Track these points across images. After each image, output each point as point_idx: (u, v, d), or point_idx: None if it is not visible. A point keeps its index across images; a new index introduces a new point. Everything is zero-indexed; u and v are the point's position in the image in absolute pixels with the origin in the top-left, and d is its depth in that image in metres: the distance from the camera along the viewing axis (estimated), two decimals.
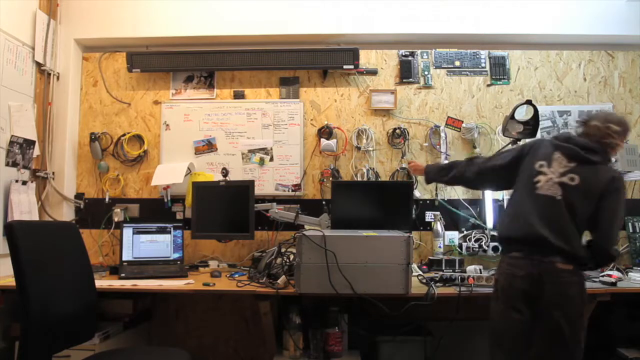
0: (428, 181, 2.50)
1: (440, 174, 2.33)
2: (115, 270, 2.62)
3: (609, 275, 2.23)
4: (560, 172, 1.86)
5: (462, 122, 2.98)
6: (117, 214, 2.95)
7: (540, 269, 1.80)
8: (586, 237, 1.94)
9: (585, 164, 1.86)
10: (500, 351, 1.88)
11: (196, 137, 3.01)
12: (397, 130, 2.97)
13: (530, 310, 1.83)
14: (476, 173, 2.15)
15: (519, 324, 1.84)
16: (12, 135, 2.61)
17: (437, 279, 2.24)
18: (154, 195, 3.02)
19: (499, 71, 3.03)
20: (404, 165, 2.96)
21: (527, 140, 2.13)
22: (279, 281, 2.18)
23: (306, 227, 2.60)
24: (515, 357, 1.85)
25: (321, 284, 2.01)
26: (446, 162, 2.56)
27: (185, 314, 2.97)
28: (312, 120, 3.03)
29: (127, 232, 2.76)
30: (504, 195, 2.86)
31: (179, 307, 2.97)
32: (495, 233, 2.81)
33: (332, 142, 2.95)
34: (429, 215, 2.92)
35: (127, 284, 2.32)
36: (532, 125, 2.43)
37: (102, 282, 2.31)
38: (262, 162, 2.98)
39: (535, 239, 1.82)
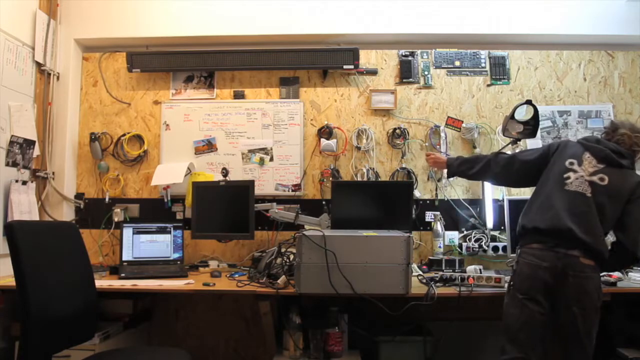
0: (450, 175, 2.47)
1: (463, 167, 2.31)
2: (115, 270, 2.62)
3: (609, 275, 2.22)
4: (591, 171, 1.90)
5: (462, 122, 2.98)
6: (117, 214, 2.95)
7: (564, 262, 1.81)
8: (611, 237, 1.97)
9: (615, 167, 1.91)
10: (513, 346, 1.86)
11: (196, 137, 3.01)
12: (397, 130, 2.97)
13: (549, 303, 1.84)
14: (503, 167, 2.15)
15: (538, 316, 1.83)
16: (12, 135, 2.61)
17: (437, 279, 2.24)
18: (154, 195, 3.02)
19: (499, 71, 3.03)
20: (404, 165, 2.96)
21: (553, 141, 2.16)
22: (279, 281, 2.18)
23: (306, 227, 2.60)
24: (529, 352, 1.84)
25: (321, 284, 2.00)
26: (468, 156, 2.50)
27: (185, 314, 2.97)
28: (312, 120, 3.03)
29: (127, 232, 2.76)
30: (504, 195, 2.87)
31: (179, 307, 2.97)
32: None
33: (332, 142, 2.95)
34: (429, 215, 2.92)
35: (127, 284, 2.32)
36: (532, 125, 2.42)
37: (102, 282, 2.31)
38: (262, 162, 2.98)
39: (563, 231, 1.83)
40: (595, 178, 1.89)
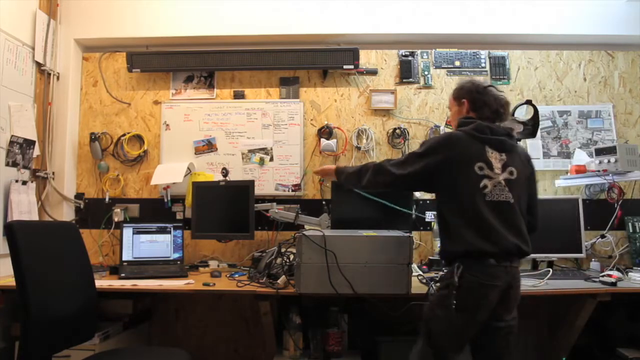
0: (343, 186, 2.23)
1: (352, 179, 2.06)
2: (115, 270, 2.63)
3: (609, 275, 2.23)
4: (500, 167, 1.78)
5: None
6: (117, 214, 2.95)
7: (511, 276, 1.74)
8: None
9: (512, 151, 1.83)
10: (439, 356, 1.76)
11: (196, 137, 3.01)
12: (397, 130, 2.97)
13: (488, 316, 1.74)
14: (395, 178, 1.88)
15: (474, 331, 1.74)
16: (12, 135, 2.61)
17: (437, 279, 2.23)
18: (154, 195, 3.02)
19: (499, 71, 3.03)
20: None
21: (434, 139, 1.88)
22: (279, 281, 2.18)
23: (306, 227, 2.60)
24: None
25: (321, 284, 2.00)
26: (355, 165, 2.27)
27: (185, 314, 2.97)
28: (312, 120, 3.03)
29: (127, 232, 2.76)
30: None
31: (179, 307, 2.97)
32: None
33: (332, 142, 2.95)
34: (429, 215, 2.92)
35: (127, 284, 2.32)
36: (532, 125, 2.42)
37: (102, 282, 2.31)
38: (262, 162, 2.98)
39: (511, 250, 1.72)
40: (506, 175, 1.78)
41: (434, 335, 1.74)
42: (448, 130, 2.97)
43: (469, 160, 1.77)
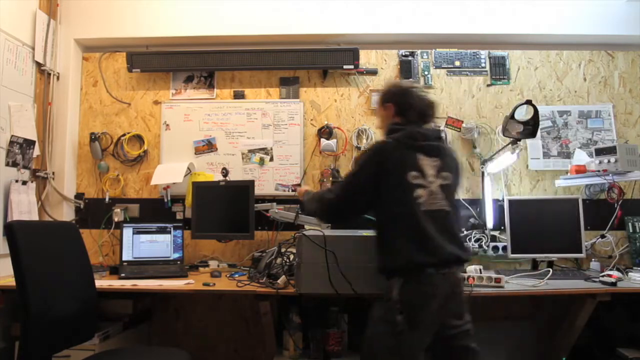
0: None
1: (307, 207, 2.05)
2: (115, 270, 2.63)
3: (609, 275, 2.23)
4: (433, 174, 1.74)
5: (462, 122, 2.97)
6: (117, 214, 2.95)
7: (452, 284, 1.72)
8: None
9: (443, 155, 1.80)
10: None
11: (196, 137, 3.01)
12: None
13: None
14: (333, 204, 1.85)
15: (423, 345, 1.69)
16: (12, 135, 2.61)
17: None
18: (154, 195, 3.02)
19: (499, 71, 3.03)
20: None
21: (365, 154, 1.85)
22: (279, 281, 2.18)
23: (306, 227, 2.60)
24: None
25: (321, 284, 2.00)
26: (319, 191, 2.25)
27: (185, 314, 2.97)
28: (312, 120, 3.03)
29: (127, 232, 2.76)
30: (504, 195, 2.87)
31: (179, 307, 2.97)
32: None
33: (332, 142, 2.94)
34: None
35: (127, 284, 2.32)
36: (532, 125, 2.42)
37: (102, 282, 2.31)
38: (262, 162, 2.98)
39: (449, 260, 1.69)
40: (441, 181, 1.75)
41: (379, 356, 1.68)
42: (448, 130, 2.98)
43: (402, 169, 1.72)
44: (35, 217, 2.72)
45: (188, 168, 2.93)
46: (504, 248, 2.73)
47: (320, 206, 1.92)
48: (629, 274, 2.37)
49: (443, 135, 1.86)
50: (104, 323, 2.42)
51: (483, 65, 3.04)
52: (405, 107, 1.85)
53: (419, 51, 3.05)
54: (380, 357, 1.68)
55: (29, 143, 2.73)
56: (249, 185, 2.65)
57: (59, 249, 1.92)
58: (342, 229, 2.39)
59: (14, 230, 1.70)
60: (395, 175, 1.72)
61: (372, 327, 1.73)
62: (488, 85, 3.02)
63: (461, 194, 2.93)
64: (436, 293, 1.66)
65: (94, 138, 3.00)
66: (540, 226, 2.66)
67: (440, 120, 2.99)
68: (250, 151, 3.00)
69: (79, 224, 2.91)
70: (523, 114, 2.49)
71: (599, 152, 2.56)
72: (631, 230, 2.80)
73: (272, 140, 3.00)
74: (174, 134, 3.02)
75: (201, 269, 2.79)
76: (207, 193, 2.77)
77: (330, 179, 2.91)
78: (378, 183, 1.73)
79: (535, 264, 2.68)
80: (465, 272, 1.79)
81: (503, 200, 2.81)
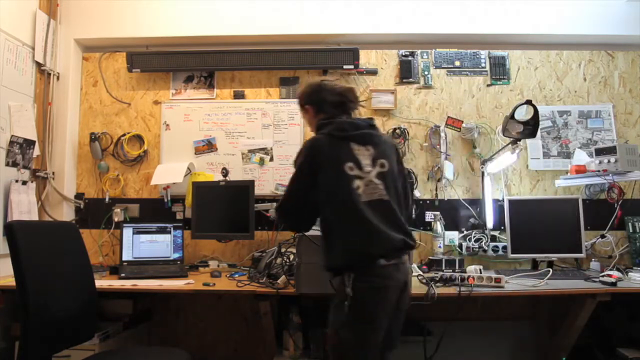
0: None
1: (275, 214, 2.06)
2: (115, 270, 2.63)
3: (609, 275, 2.23)
4: (369, 163, 1.73)
5: (462, 122, 2.97)
6: (117, 214, 2.95)
7: (403, 274, 1.70)
8: None
9: (376, 142, 1.78)
10: None
11: (196, 137, 3.01)
12: (397, 130, 2.97)
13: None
14: (285, 209, 1.85)
15: (380, 338, 1.67)
16: (12, 135, 2.61)
17: (437, 279, 2.24)
18: (154, 195, 3.02)
19: (499, 71, 3.03)
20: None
21: (300, 153, 1.81)
22: (279, 281, 2.18)
23: None
24: None
25: (321, 284, 1.99)
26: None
27: (185, 314, 2.97)
28: None
29: (127, 232, 2.77)
30: (504, 195, 2.87)
31: (179, 307, 2.97)
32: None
33: None
34: (429, 215, 2.92)
35: (127, 284, 2.32)
36: (532, 125, 2.42)
37: (102, 282, 2.31)
38: (262, 162, 2.98)
39: (397, 247, 1.68)
40: (378, 169, 1.73)
41: (344, 355, 1.66)
42: (448, 130, 2.98)
43: (337, 162, 1.71)
44: (35, 217, 2.72)
45: (188, 168, 2.93)
46: (504, 248, 2.73)
47: (276, 213, 1.94)
48: (629, 274, 2.37)
49: (375, 122, 1.85)
50: (104, 323, 2.42)
51: (483, 65, 3.04)
52: (321, 103, 1.85)
53: (419, 51, 3.05)
54: (342, 354, 1.67)
55: (29, 143, 2.73)
56: (249, 185, 2.66)
57: (59, 249, 1.92)
58: None
59: (14, 230, 1.70)
60: (332, 168, 1.71)
61: (330, 330, 1.70)
62: (488, 85, 3.02)
63: (461, 194, 2.93)
64: (390, 285, 1.65)
65: (94, 138, 3.00)
66: (540, 226, 2.66)
67: (440, 120, 2.99)
68: (250, 151, 3.00)
69: (79, 224, 2.91)
70: (523, 114, 2.50)
71: (599, 152, 2.56)
72: (631, 230, 2.80)
73: (272, 140, 3.00)
74: (174, 134, 3.02)
75: (201, 269, 2.79)
76: (207, 193, 2.77)
77: None
78: (316, 179, 1.72)
79: (535, 264, 2.68)
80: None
81: (503, 200, 2.81)
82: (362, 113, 2.99)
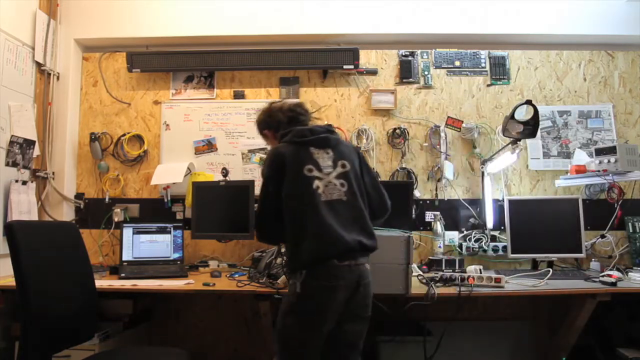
0: None
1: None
2: (115, 270, 2.63)
3: (609, 275, 2.23)
4: (330, 165, 1.79)
5: (462, 122, 2.98)
6: (117, 214, 2.95)
7: (357, 274, 1.71)
8: None
9: (335, 145, 1.85)
10: None
11: (196, 137, 3.01)
12: (397, 130, 2.97)
13: (337, 319, 1.72)
14: (259, 224, 1.91)
15: (324, 337, 1.71)
16: (12, 135, 2.61)
17: (437, 279, 2.24)
18: (154, 195, 3.02)
19: (499, 71, 3.03)
20: (404, 165, 2.96)
21: (264, 164, 1.90)
22: (279, 281, 2.18)
23: None
24: None
25: None
26: None
27: (185, 314, 2.97)
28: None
29: (127, 232, 2.76)
30: (504, 195, 2.87)
31: (179, 307, 2.97)
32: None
33: None
34: (429, 215, 2.92)
35: (127, 284, 2.32)
36: (532, 125, 2.42)
37: (102, 282, 2.31)
38: (262, 162, 2.98)
39: (352, 248, 1.70)
40: (339, 169, 1.79)
41: (287, 347, 1.73)
42: (448, 130, 2.98)
43: (298, 165, 1.77)
44: (35, 217, 2.72)
45: (188, 168, 2.93)
46: (504, 248, 2.73)
47: (255, 230, 1.99)
48: (629, 274, 2.37)
49: (333, 128, 1.92)
50: (104, 323, 2.42)
51: (483, 65, 3.04)
52: (276, 125, 1.94)
53: (419, 51, 3.05)
54: (287, 350, 1.73)
55: (29, 143, 2.73)
56: (249, 185, 2.65)
57: (59, 249, 1.92)
58: None
59: (14, 230, 1.70)
60: (293, 171, 1.77)
61: (279, 320, 1.76)
62: (488, 85, 3.02)
63: (461, 194, 2.93)
64: (339, 285, 1.67)
65: (94, 138, 3.00)
66: (540, 226, 2.66)
67: (440, 120, 2.99)
68: (250, 151, 3.00)
69: (79, 224, 2.91)
70: (523, 114, 2.50)
71: (599, 152, 2.56)
72: (631, 230, 2.80)
73: None
74: (174, 134, 3.02)
75: (201, 269, 2.79)
76: (207, 193, 2.77)
77: None
78: (282, 184, 1.77)
79: (535, 264, 2.68)
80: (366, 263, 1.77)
81: (503, 200, 2.81)
82: (362, 113, 3.02)
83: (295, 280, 1.72)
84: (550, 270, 2.40)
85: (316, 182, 1.75)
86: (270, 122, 1.97)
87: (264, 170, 1.88)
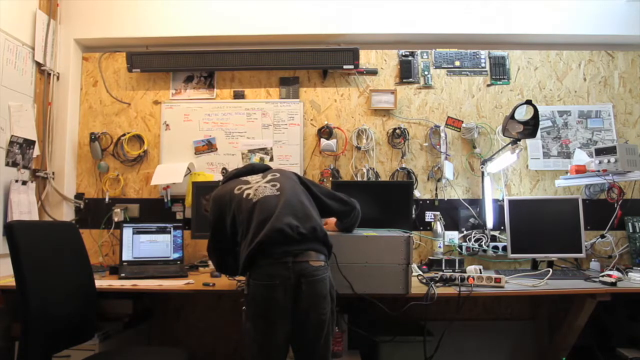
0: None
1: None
2: (115, 270, 2.62)
3: (609, 275, 2.23)
4: (259, 178, 1.94)
5: (462, 122, 2.98)
6: (117, 214, 2.95)
7: (295, 272, 1.68)
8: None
9: (265, 169, 2.05)
10: None
11: (196, 137, 3.01)
12: (397, 130, 2.97)
13: (289, 320, 1.71)
14: (215, 257, 2.01)
15: (281, 336, 1.71)
16: (12, 135, 2.61)
17: (437, 279, 2.24)
18: (154, 195, 3.02)
19: (499, 71, 3.03)
20: (404, 165, 2.96)
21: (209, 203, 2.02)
22: None
23: None
24: None
25: None
26: None
27: (185, 314, 2.97)
28: (312, 120, 3.03)
29: (127, 232, 2.76)
30: (504, 195, 2.87)
31: (179, 307, 2.97)
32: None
33: (332, 142, 2.94)
34: (429, 215, 2.92)
35: (127, 284, 2.32)
36: (532, 125, 2.42)
37: (102, 282, 2.31)
38: (262, 162, 2.98)
39: (275, 239, 1.69)
40: (269, 177, 1.93)
41: (249, 348, 1.76)
42: (448, 130, 2.98)
43: (230, 192, 1.89)
44: (35, 217, 2.72)
45: (188, 168, 2.93)
46: (504, 248, 2.73)
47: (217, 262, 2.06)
48: (629, 274, 2.37)
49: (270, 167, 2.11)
50: (104, 323, 2.42)
51: (483, 65, 3.04)
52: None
53: (419, 51, 3.05)
54: (247, 342, 1.77)
55: (29, 143, 2.73)
56: None
57: (59, 249, 1.92)
58: None
59: (14, 230, 1.70)
60: (227, 199, 1.89)
61: (243, 322, 1.81)
62: (488, 85, 3.02)
63: (461, 194, 2.93)
64: (275, 283, 1.68)
65: (94, 138, 3.00)
66: (540, 226, 2.66)
67: (440, 120, 2.99)
68: (250, 151, 3.00)
69: (79, 224, 2.91)
70: (523, 114, 2.50)
71: (599, 152, 2.56)
72: (631, 230, 2.80)
73: (272, 140, 3.00)
74: (174, 134, 3.02)
75: (201, 269, 2.79)
76: (207, 193, 2.76)
77: (330, 179, 2.91)
78: (225, 217, 1.87)
79: (535, 264, 2.68)
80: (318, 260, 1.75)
81: (503, 200, 2.81)
82: (362, 113, 3.02)
83: (247, 282, 1.78)
84: (550, 270, 2.40)
85: (246, 192, 1.86)
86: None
87: (208, 213, 1.99)
